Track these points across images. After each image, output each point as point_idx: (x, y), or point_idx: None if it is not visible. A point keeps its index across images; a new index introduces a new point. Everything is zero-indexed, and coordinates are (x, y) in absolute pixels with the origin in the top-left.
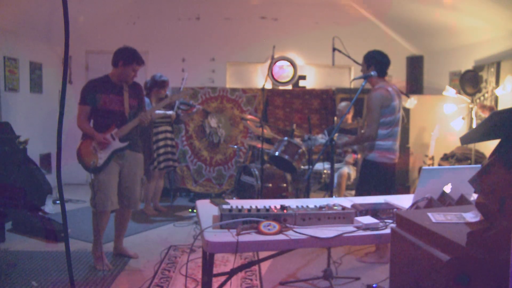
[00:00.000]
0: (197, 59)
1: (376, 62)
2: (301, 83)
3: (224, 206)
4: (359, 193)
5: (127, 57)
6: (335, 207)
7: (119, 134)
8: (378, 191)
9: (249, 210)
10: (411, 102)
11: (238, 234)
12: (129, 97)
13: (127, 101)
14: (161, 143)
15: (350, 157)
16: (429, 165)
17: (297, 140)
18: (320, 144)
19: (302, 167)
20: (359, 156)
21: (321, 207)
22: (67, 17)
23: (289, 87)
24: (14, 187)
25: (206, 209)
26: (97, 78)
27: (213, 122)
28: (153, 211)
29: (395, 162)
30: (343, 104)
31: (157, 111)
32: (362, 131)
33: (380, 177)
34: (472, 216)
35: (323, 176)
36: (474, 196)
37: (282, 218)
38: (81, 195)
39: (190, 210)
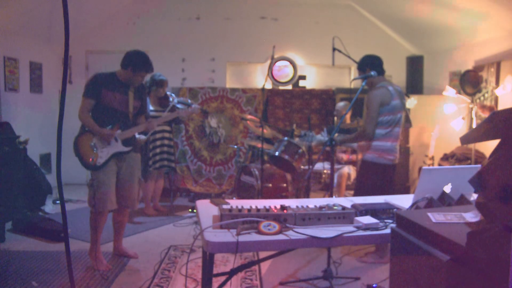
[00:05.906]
0: (197, 59)
1: (370, 65)
2: (301, 83)
3: (224, 206)
4: (357, 194)
5: (137, 65)
6: (335, 207)
7: (122, 136)
8: (376, 192)
9: (249, 210)
10: (411, 102)
11: (238, 234)
12: (133, 98)
13: (131, 102)
14: (157, 143)
15: (344, 157)
16: (429, 165)
17: (296, 139)
18: (318, 142)
19: (302, 167)
20: (359, 156)
21: (321, 207)
22: (67, 17)
23: (289, 87)
24: (14, 187)
25: (206, 209)
26: (104, 73)
27: (213, 122)
28: (153, 211)
29: (394, 163)
30: (341, 104)
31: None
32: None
33: (378, 178)
34: (472, 216)
35: (323, 176)
36: (474, 196)
37: (282, 218)
38: (81, 195)
39: (190, 210)
